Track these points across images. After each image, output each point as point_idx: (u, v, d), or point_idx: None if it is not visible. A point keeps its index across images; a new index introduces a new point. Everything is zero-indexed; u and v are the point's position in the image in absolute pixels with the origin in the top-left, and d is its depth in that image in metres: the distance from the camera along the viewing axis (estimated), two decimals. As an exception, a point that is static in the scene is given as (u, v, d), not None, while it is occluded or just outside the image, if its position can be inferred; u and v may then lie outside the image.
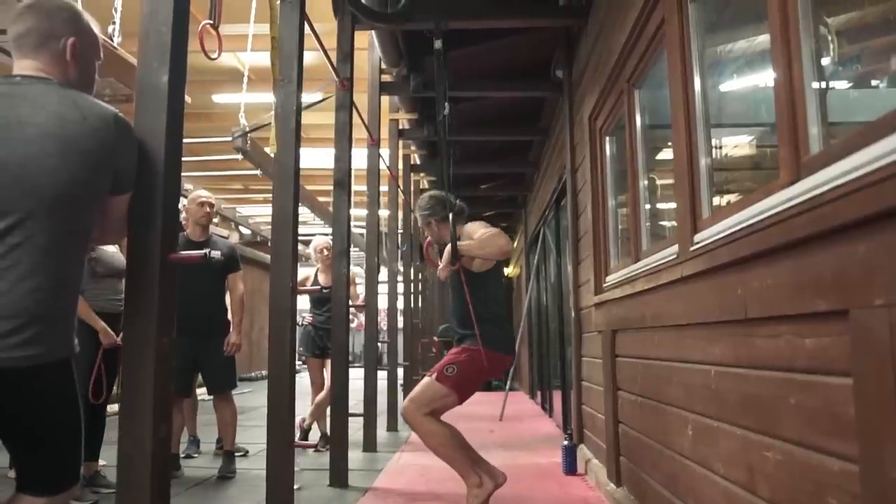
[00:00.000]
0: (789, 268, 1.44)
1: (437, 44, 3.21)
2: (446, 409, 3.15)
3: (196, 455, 4.71)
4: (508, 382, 7.78)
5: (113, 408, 3.74)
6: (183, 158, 1.75)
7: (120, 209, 1.61)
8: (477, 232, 3.24)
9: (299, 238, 3.10)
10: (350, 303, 4.42)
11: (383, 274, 7.58)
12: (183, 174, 1.81)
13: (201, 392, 4.63)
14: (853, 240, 1.20)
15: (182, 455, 4.43)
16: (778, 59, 1.59)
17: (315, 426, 5.24)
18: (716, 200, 2.19)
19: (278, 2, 2.88)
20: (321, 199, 9.48)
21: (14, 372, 1.37)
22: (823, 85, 1.54)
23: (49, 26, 1.55)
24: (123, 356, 1.62)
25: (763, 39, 2.14)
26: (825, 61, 1.65)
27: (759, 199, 1.66)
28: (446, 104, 3.23)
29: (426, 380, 3.21)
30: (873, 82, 2.05)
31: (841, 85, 1.95)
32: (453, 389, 3.11)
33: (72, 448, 1.55)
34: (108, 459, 3.64)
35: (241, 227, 13.94)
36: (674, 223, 2.76)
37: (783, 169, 1.56)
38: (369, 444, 5.03)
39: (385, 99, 6.16)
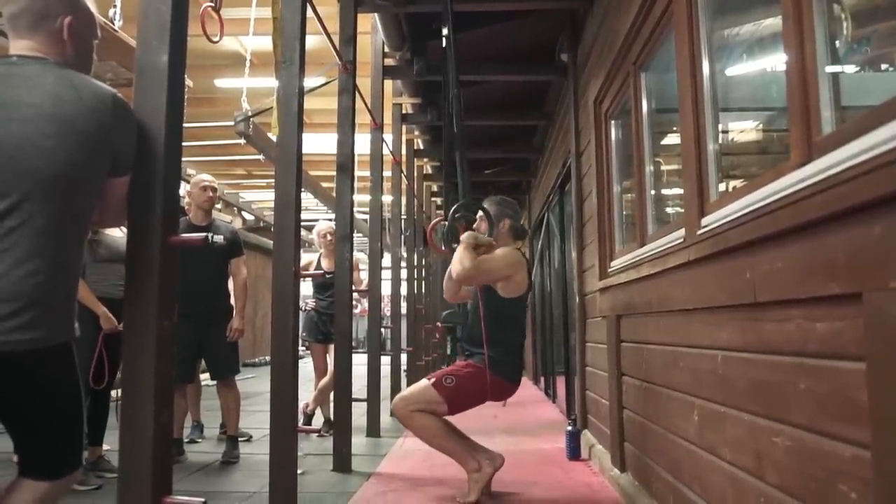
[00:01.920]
0: (801, 250, 1.41)
1: (445, 30, 3.17)
2: (435, 415, 3.16)
3: (200, 440, 4.73)
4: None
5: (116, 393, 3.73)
6: (185, 143, 1.72)
7: (119, 191, 1.58)
8: (498, 252, 3.29)
9: (302, 223, 3.08)
10: (353, 288, 4.40)
11: (387, 260, 7.56)
12: (185, 159, 1.79)
13: (205, 377, 4.64)
14: (868, 221, 1.17)
15: (186, 440, 4.44)
16: (790, 38, 1.55)
17: (318, 411, 5.25)
18: (721, 187, 2.16)
19: (280, -18, 2.84)
20: (324, 184, 9.45)
21: (11, 356, 1.35)
22: (837, 64, 1.50)
23: (44, 5, 1.52)
24: (124, 340, 1.61)
25: (771, 22, 2.11)
26: (838, 41, 1.62)
27: (769, 181, 1.63)
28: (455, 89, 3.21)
29: (423, 382, 3.23)
30: (883, 66, 2.02)
31: (851, 68, 1.91)
32: (446, 400, 3.12)
33: (72, 433, 1.54)
34: (112, 444, 3.64)
35: (244, 213, 13.92)
36: (678, 209, 2.73)
37: (794, 150, 1.52)
38: (372, 429, 5.04)
39: (388, 83, 6.11)
